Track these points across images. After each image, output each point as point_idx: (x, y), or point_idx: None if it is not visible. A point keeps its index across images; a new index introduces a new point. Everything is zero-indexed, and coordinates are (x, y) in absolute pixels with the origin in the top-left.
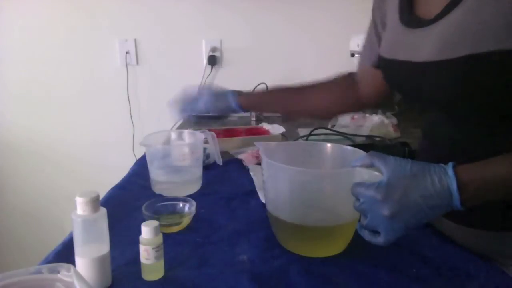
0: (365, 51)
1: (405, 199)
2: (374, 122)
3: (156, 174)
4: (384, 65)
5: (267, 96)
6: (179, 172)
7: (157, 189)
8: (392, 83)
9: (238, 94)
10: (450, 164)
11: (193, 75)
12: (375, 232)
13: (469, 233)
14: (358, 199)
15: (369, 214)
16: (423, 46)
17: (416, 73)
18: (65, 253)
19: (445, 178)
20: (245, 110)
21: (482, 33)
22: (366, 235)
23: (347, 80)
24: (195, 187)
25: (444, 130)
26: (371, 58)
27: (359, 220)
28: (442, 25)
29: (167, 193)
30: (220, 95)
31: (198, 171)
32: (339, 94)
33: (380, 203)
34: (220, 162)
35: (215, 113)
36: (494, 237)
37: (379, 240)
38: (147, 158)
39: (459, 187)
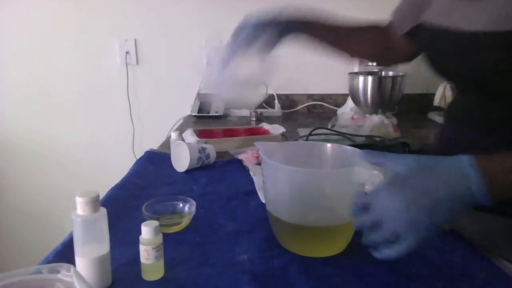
0: (397, 19)
1: (420, 189)
2: (374, 122)
3: (219, 73)
4: (427, 33)
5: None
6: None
7: (219, 89)
8: (433, 53)
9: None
10: (466, 155)
11: (193, 75)
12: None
13: (476, 218)
14: (367, 212)
15: (379, 213)
16: (478, 16)
17: (464, 42)
18: (65, 253)
19: (461, 164)
20: (297, 31)
21: None
22: (384, 250)
23: (385, 30)
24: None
25: (475, 114)
26: (402, 26)
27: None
28: None
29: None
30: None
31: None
32: (382, 41)
33: (394, 196)
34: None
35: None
36: (500, 224)
37: (401, 246)
38: (208, 61)
39: (482, 175)
